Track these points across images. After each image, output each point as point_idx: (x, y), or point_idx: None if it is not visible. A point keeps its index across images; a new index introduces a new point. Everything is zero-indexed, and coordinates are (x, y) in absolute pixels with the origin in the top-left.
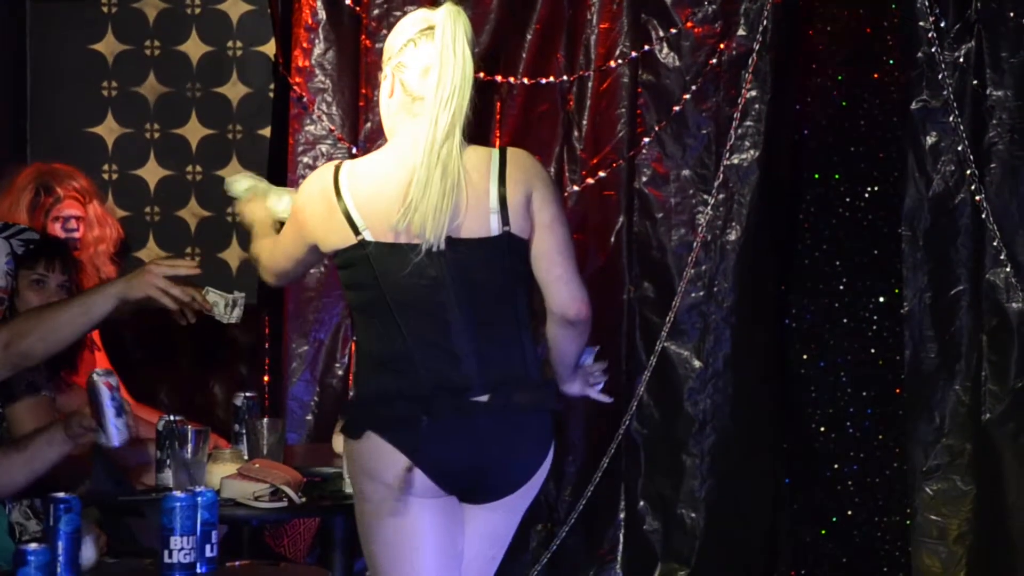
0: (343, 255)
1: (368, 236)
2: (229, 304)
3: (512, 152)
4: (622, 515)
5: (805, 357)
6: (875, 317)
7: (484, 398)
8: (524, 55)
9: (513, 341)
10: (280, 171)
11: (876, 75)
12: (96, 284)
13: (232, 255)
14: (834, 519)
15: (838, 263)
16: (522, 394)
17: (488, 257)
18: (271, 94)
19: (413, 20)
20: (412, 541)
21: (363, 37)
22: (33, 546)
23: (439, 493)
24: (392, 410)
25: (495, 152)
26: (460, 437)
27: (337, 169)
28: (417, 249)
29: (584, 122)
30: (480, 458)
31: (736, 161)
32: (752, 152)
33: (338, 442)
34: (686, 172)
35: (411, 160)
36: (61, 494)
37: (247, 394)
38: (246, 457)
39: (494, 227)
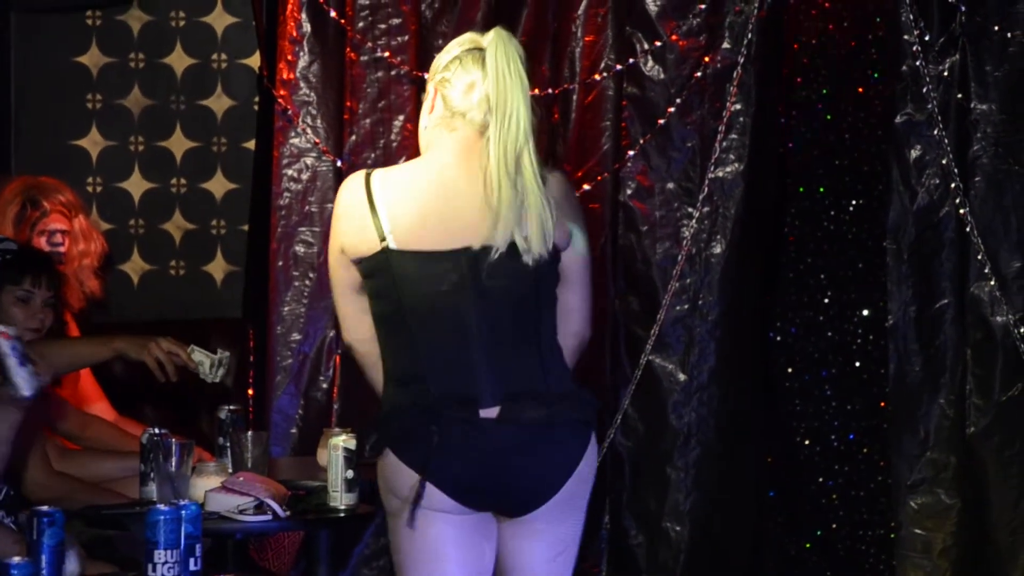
0: (367, 262)
1: (392, 243)
2: (214, 364)
3: (553, 178)
4: (606, 528)
5: (790, 370)
6: (860, 330)
7: (494, 412)
8: None
9: (531, 355)
10: (265, 184)
11: (861, 88)
12: (99, 336)
13: (216, 268)
14: (818, 532)
15: (823, 276)
16: (536, 408)
17: (525, 271)
18: (256, 107)
19: (461, 41)
20: (433, 555)
21: (348, 50)
22: (16, 559)
23: (463, 510)
24: (403, 426)
25: (546, 175)
26: (470, 452)
27: (368, 176)
28: (448, 257)
29: (569, 135)
30: (497, 473)
31: (721, 174)
32: (737, 165)
33: (323, 455)
34: (671, 185)
35: (450, 170)
36: (44, 507)
37: (231, 407)
38: (230, 470)
39: (541, 247)
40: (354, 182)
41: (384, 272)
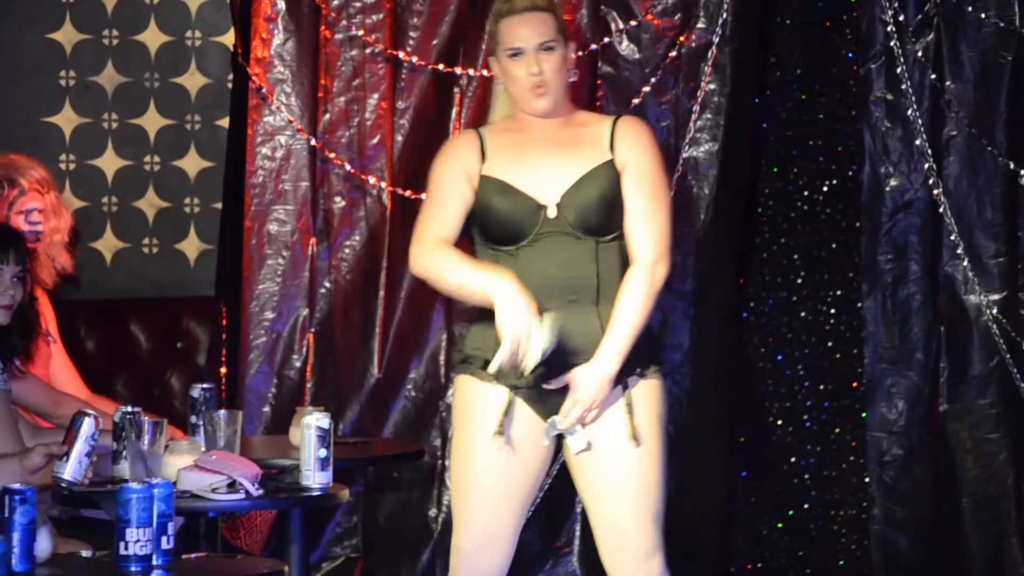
0: None
1: None
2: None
3: None
4: (579, 507)
5: (763, 350)
6: (833, 310)
7: None
8: (483, 47)
9: None
10: (238, 162)
11: (835, 68)
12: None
13: (190, 246)
14: (791, 512)
15: (796, 256)
16: None
17: None
18: (230, 85)
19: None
20: None
21: (322, 28)
22: None
23: None
24: None
25: None
26: None
27: None
28: None
29: None
30: None
31: (695, 154)
32: (711, 145)
33: (295, 434)
34: None
35: None
36: (16, 485)
37: (204, 385)
38: (203, 449)
39: None
40: None
41: None
